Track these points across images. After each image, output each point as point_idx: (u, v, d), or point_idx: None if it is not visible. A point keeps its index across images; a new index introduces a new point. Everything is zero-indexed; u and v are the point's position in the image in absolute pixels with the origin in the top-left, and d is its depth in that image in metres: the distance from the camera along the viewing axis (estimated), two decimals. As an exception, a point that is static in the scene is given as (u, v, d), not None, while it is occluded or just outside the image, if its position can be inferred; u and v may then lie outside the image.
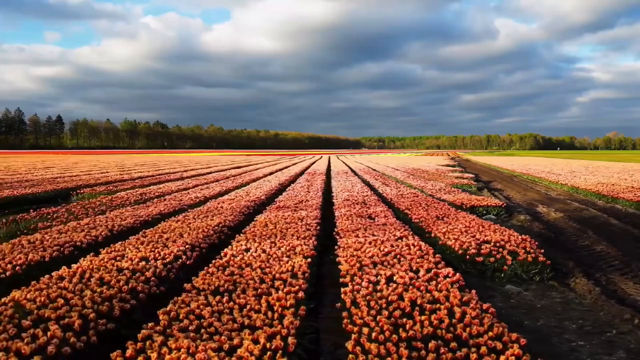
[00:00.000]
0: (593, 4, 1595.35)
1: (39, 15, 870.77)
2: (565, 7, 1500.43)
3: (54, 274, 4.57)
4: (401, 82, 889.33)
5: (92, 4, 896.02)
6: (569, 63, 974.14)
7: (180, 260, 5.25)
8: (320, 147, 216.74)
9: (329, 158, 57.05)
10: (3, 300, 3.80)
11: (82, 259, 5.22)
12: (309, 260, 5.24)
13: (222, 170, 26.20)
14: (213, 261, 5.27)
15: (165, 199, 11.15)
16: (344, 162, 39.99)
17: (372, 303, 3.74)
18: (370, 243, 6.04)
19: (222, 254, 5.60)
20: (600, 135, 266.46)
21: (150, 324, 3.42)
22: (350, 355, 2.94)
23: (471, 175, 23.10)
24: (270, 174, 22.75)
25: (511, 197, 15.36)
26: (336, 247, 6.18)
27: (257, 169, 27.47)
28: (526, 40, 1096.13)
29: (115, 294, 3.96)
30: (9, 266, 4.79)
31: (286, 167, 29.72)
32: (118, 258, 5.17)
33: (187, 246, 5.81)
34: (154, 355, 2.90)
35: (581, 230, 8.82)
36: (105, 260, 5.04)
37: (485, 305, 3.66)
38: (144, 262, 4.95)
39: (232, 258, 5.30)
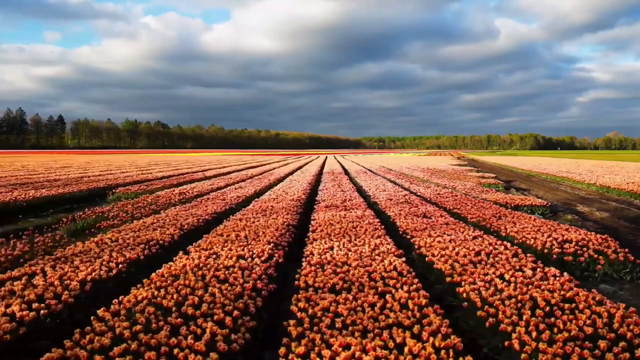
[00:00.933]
0: (593, 4, 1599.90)
1: (39, 15, 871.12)
2: (565, 7, 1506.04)
3: (161, 271, 4.55)
4: (401, 82, 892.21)
5: (92, 4, 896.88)
6: (568, 63, 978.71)
7: (274, 259, 5.23)
8: (320, 147, 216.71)
9: (335, 158, 56.99)
10: (127, 298, 3.78)
11: (175, 257, 5.21)
12: (403, 259, 5.23)
13: (239, 170, 26.14)
14: (304, 259, 5.26)
15: (208, 198, 11.11)
16: (354, 162, 39.95)
17: (507, 302, 3.72)
18: (451, 242, 6.03)
19: (306, 252, 5.59)
20: (600, 135, 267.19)
21: (291, 321, 3.41)
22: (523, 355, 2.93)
23: (492, 175, 23.09)
24: (291, 173, 22.73)
25: (543, 197, 15.35)
26: (416, 246, 6.15)
27: (273, 169, 27.44)
28: (526, 40, 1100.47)
29: (242, 291, 3.94)
30: (112, 264, 4.76)
31: (301, 167, 29.68)
32: (213, 256, 5.15)
33: (271, 244, 5.79)
34: (326, 353, 2.88)
35: (636, 229, 8.82)
36: (203, 258, 5.02)
37: (621, 305, 3.65)
38: (242, 261, 4.94)
39: (321, 257, 5.28)
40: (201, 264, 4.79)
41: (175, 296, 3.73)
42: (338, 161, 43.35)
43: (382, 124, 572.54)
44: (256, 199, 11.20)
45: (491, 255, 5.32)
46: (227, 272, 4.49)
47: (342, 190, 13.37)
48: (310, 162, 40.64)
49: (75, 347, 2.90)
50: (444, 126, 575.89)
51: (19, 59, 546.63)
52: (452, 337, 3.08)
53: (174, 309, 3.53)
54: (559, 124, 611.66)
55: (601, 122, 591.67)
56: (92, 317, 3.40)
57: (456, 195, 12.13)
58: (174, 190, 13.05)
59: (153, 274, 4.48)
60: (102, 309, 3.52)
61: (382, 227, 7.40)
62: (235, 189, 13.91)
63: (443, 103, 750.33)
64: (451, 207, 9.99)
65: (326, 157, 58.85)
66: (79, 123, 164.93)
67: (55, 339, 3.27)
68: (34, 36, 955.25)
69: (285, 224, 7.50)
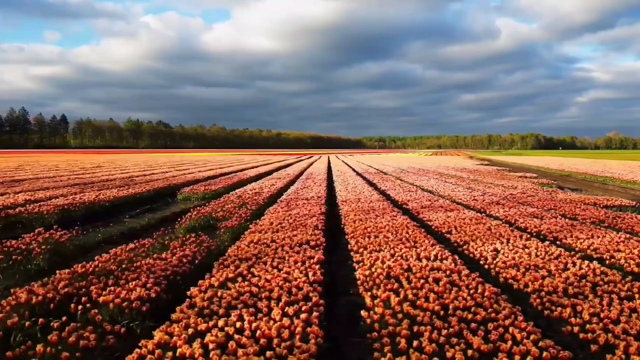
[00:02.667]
0: (594, 3, 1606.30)
1: (39, 14, 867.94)
2: (566, 7, 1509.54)
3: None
4: (401, 82, 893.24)
5: (93, 3, 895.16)
6: (568, 63, 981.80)
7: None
8: (322, 146, 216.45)
9: (342, 158, 56.92)
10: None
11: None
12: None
13: (276, 170, 26.04)
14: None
15: (292, 199, 11.02)
16: (366, 164, 39.84)
17: None
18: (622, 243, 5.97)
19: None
20: (600, 135, 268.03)
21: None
22: None
23: (532, 175, 23.07)
24: (329, 170, 22.68)
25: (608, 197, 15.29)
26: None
27: (305, 169, 27.34)
28: (526, 40, 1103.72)
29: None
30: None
31: (325, 165, 29.61)
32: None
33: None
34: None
35: None
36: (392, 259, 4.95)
37: None
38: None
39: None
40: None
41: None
42: (358, 161, 43.23)
43: (381, 123, 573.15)
44: (339, 197, 11.17)
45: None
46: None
47: (409, 191, 13.33)
48: (318, 160, 40.52)
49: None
50: (443, 126, 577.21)
51: (18, 59, 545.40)
52: None
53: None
54: (558, 124, 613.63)
55: (601, 122, 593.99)
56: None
57: (533, 196, 12.07)
58: (247, 191, 12.87)
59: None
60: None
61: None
62: (301, 189, 13.78)
63: (443, 103, 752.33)
64: (549, 208, 9.89)
65: (328, 157, 58.73)
66: (81, 123, 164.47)
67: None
68: (33, 36, 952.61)
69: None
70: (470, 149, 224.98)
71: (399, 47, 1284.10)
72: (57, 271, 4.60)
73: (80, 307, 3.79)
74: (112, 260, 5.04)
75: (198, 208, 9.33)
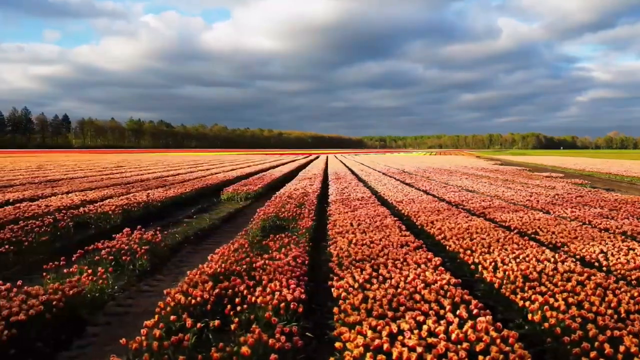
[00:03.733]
0: (595, 3, 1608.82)
1: (39, 13, 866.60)
2: (567, 7, 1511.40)
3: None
4: (402, 81, 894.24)
5: (93, 3, 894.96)
6: (569, 63, 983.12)
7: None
8: (323, 146, 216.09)
9: (345, 157, 56.90)
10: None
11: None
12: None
13: (297, 169, 26.03)
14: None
15: (339, 198, 11.01)
16: (383, 164, 39.82)
17: None
18: None
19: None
20: (600, 135, 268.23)
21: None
22: None
23: (559, 175, 23.10)
24: (353, 172, 22.69)
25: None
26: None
27: (324, 169, 27.33)
28: (527, 40, 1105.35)
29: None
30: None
31: (357, 165, 29.61)
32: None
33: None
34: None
35: None
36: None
37: None
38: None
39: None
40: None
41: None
42: (372, 161, 43.21)
43: (381, 123, 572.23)
44: (381, 193, 11.15)
45: None
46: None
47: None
48: (328, 159, 40.47)
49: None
50: (443, 126, 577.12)
51: (18, 58, 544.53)
52: None
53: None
54: (558, 124, 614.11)
55: (600, 121, 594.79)
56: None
57: (583, 196, 12.02)
58: (286, 192, 12.81)
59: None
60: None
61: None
62: (342, 189, 13.76)
63: (443, 102, 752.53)
64: (611, 208, 9.84)
65: (336, 157, 58.70)
66: (83, 122, 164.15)
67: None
68: (33, 35, 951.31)
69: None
70: (471, 148, 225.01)
71: (400, 46, 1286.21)
72: (188, 272, 4.58)
73: (237, 307, 3.78)
74: (228, 261, 5.02)
75: (261, 208, 9.29)
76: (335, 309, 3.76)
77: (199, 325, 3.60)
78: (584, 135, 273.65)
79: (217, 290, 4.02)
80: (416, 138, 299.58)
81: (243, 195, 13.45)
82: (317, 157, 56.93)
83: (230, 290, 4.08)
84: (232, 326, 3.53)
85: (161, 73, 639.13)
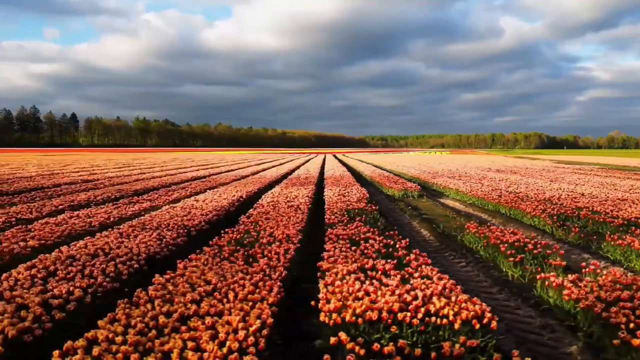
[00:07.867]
0: (598, 2, 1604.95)
1: (39, 11, 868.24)
2: (570, 6, 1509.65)
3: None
4: (403, 80, 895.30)
5: (94, 0, 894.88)
6: (570, 62, 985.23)
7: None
8: (327, 145, 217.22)
9: (350, 157, 57.96)
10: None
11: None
12: None
13: (322, 169, 27.45)
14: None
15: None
16: (400, 164, 40.75)
17: None
18: None
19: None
20: (601, 134, 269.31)
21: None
22: None
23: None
24: (382, 168, 24.17)
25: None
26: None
27: (346, 171, 28.62)
28: (529, 39, 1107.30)
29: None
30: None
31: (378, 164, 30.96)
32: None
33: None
34: None
35: None
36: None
37: None
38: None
39: None
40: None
41: None
42: (385, 160, 44.35)
43: (381, 122, 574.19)
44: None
45: None
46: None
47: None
48: (339, 159, 41.66)
49: None
50: (444, 125, 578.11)
51: (17, 56, 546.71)
52: None
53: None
54: (558, 123, 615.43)
55: (601, 121, 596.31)
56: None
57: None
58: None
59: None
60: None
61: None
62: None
63: (443, 102, 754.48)
64: None
65: (342, 156, 59.81)
66: (91, 121, 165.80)
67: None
68: (33, 33, 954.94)
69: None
70: (473, 148, 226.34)
71: (402, 45, 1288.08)
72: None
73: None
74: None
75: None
76: None
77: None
78: (584, 135, 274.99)
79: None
80: (418, 137, 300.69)
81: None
82: (324, 157, 58.27)
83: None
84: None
85: (162, 71, 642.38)
